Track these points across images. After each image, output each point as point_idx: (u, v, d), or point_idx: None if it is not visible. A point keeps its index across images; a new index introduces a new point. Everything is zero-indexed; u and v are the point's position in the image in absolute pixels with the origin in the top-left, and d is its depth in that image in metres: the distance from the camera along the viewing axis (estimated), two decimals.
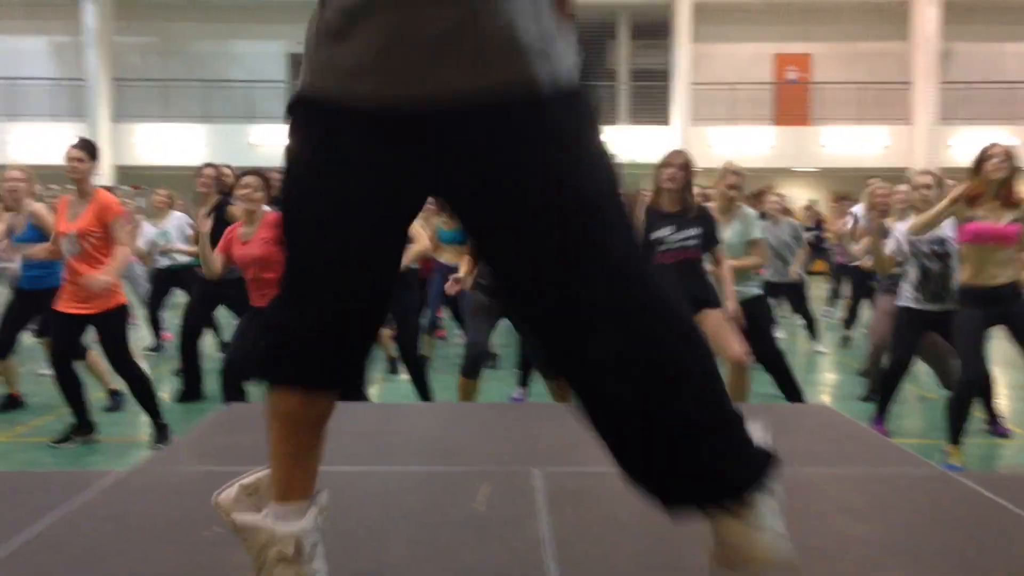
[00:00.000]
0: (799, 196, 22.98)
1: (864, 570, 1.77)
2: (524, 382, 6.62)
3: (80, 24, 21.69)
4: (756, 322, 5.79)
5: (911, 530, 2.03)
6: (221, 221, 6.85)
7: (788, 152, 21.83)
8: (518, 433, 3.02)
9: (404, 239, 1.57)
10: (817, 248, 13.58)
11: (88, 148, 5.34)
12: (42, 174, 22.41)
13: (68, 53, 22.48)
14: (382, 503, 2.23)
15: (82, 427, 5.44)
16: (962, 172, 17.01)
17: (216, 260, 5.30)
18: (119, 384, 5.97)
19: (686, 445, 1.46)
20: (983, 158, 5.22)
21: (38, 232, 6.10)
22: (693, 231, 5.28)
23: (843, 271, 11.03)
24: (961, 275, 5.22)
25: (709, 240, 5.36)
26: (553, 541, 1.94)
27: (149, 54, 22.92)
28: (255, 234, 5.19)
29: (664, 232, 5.23)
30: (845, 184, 23.00)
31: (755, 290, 5.92)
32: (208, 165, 7.09)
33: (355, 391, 1.70)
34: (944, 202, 5.20)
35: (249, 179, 5.30)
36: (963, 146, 21.49)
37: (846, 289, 11.09)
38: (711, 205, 5.92)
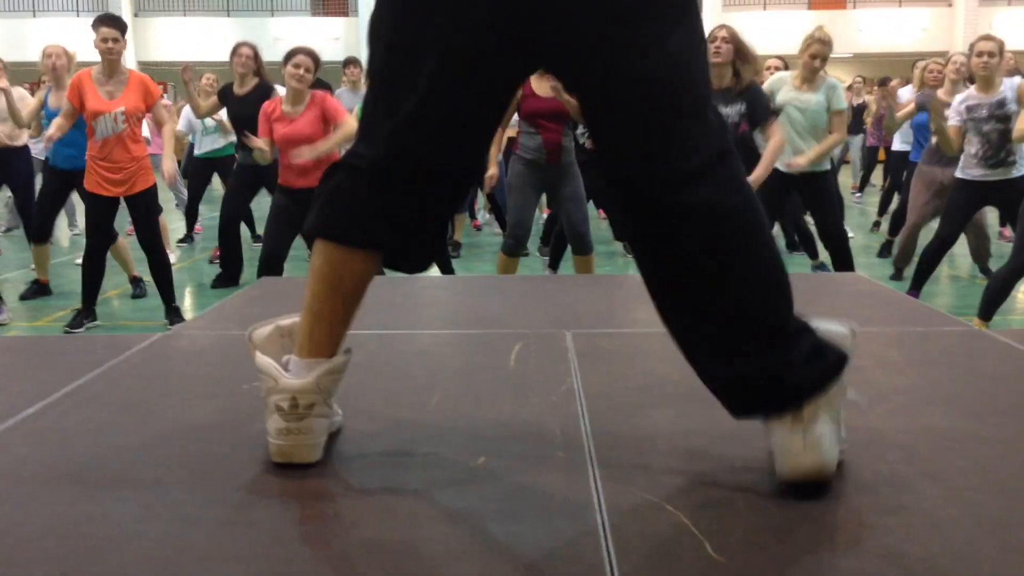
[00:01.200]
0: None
1: (902, 417, 1.77)
2: (555, 266, 6.63)
3: None
4: (820, 197, 5.77)
5: (947, 381, 2.03)
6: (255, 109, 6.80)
7: None
8: (552, 302, 3.02)
9: (506, 103, 1.52)
10: (854, 121, 13.30)
11: (121, 26, 5.30)
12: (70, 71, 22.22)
13: None
14: (423, 361, 2.25)
15: (87, 311, 5.48)
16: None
17: (266, 145, 5.30)
18: (142, 272, 6.04)
19: (745, 331, 1.42)
20: None
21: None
22: (736, 107, 5.21)
23: (876, 153, 10.89)
24: None
25: (756, 115, 5.27)
26: (584, 393, 1.95)
27: None
28: (303, 113, 5.17)
29: None
30: (882, 70, 22.44)
31: (824, 166, 5.82)
32: (245, 44, 6.94)
33: (435, 257, 1.65)
34: None
35: (301, 58, 5.25)
36: (1006, 28, 20.82)
37: (875, 177, 10.95)
38: (793, 73, 5.82)
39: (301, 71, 5.19)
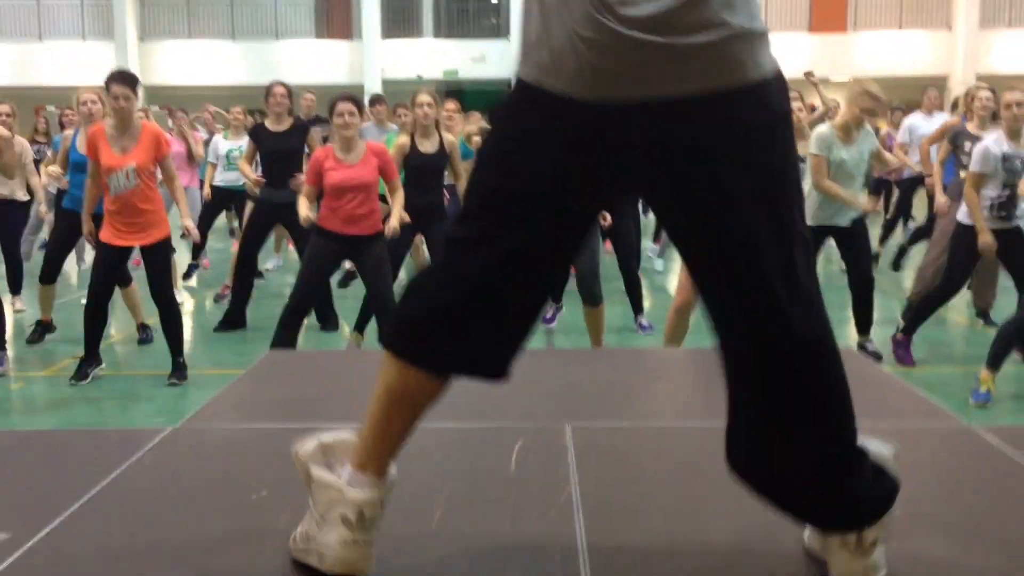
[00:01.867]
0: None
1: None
2: (557, 299, 6.70)
3: None
4: (858, 243, 5.87)
5: (932, 492, 2.09)
6: (300, 141, 6.86)
7: (823, 61, 21.32)
8: (553, 383, 3.09)
9: (586, 235, 1.64)
10: None
11: (132, 82, 5.38)
12: (73, 94, 22.35)
13: None
14: (424, 462, 2.31)
15: (90, 358, 5.55)
16: (1003, 80, 16.70)
17: (310, 193, 5.36)
18: (150, 318, 6.11)
19: (839, 453, 1.56)
20: None
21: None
22: None
23: (881, 185, 10.89)
24: None
25: None
26: (582, 504, 2.02)
27: None
28: (361, 160, 5.26)
29: None
30: (883, 92, 22.55)
31: (855, 213, 5.86)
32: (279, 83, 7.01)
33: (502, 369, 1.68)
34: None
35: (343, 105, 5.32)
36: (1006, 51, 20.91)
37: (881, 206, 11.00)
38: (834, 123, 5.81)
39: (346, 118, 5.27)
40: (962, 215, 5.64)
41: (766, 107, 1.49)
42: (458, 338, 1.57)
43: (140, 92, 19.65)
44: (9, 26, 21.84)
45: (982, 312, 7.11)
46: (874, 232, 10.05)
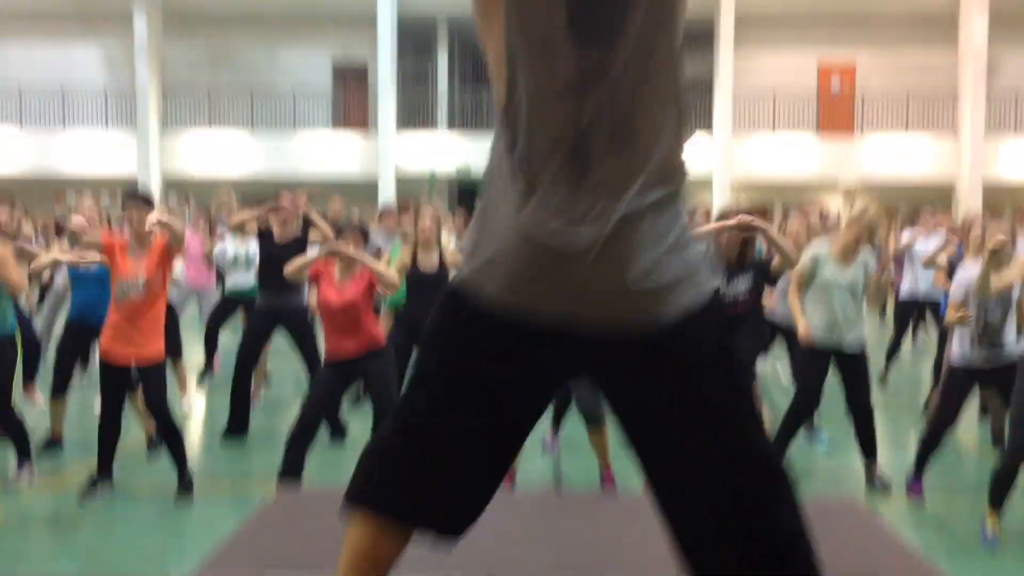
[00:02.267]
0: (842, 209, 22.85)
1: None
2: (557, 424, 6.73)
3: (132, 34, 22.12)
4: (858, 372, 5.89)
5: None
6: (301, 248, 6.99)
7: (831, 164, 21.71)
8: (550, 539, 3.14)
9: (525, 433, 1.77)
10: None
11: (150, 203, 5.58)
12: (92, 181, 22.93)
13: (119, 62, 22.97)
14: None
15: (103, 474, 5.60)
16: (1010, 188, 16.86)
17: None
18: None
19: None
20: None
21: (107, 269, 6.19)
22: (744, 283, 5.37)
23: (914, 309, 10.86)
24: None
25: (758, 283, 5.43)
26: None
27: (197, 63, 23.31)
28: (351, 280, 5.40)
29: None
30: (889, 197, 22.82)
31: (860, 342, 5.90)
32: (287, 194, 7.18)
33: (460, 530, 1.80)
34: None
35: (349, 233, 5.51)
36: (1013, 158, 21.23)
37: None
38: (833, 244, 5.92)
39: (351, 244, 5.44)
40: (953, 355, 5.69)
41: (698, 337, 1.63)
42: (414, 495, 1.70)
43: (158, 178, 19.96)
44: (34, 114, 22.39)
45: (997, 438, 7.05)
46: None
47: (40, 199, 18.22)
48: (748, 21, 21.79)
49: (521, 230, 1.57)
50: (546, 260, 1.56)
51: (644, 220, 1.57)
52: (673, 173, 1.63)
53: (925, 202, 22.29)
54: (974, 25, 21.11)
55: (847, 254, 5.81)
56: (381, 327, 5.61)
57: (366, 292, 5.45)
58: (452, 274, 6.77)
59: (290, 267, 5.62)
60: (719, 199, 21.23)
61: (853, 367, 5.92)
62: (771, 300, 6.92)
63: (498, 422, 1.70)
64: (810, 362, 5.93)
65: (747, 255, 5.68)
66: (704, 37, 22.27)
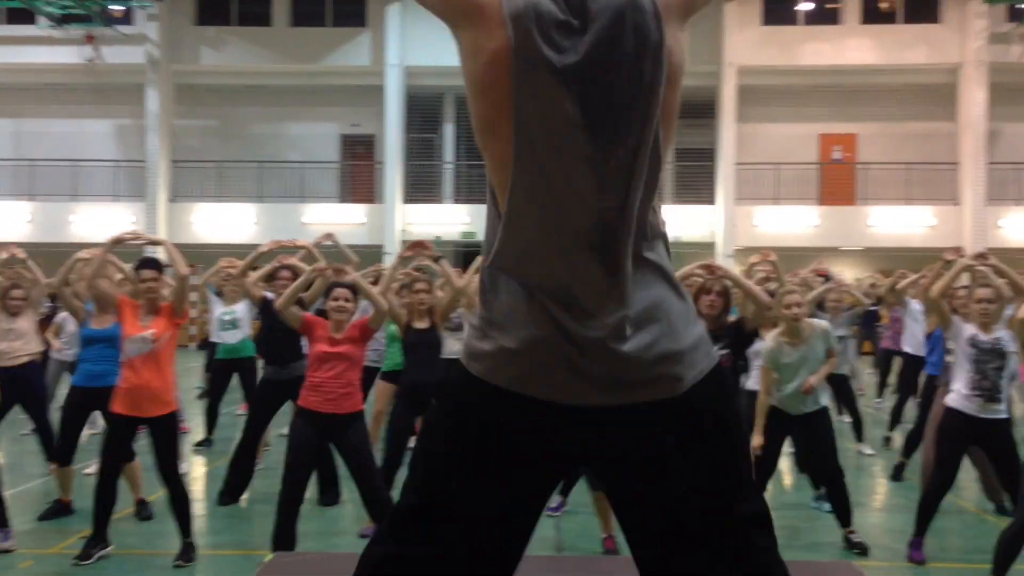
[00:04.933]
0: (845, 276, 22.91)
1: None
2: (565, 492, 6.69)
3: (143, 108, 22.54)
4: (819, 434, 5.90)
5: None
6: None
7: (834, 231, 21.85)
8: None
9: (534, 524, 1.77)
10: (868, 328, 13.46)
11: (159, 267, 5.68)
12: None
13: (130, 136, 23.35)
14: None
15: (97, 539, 5.57)
16: (1012, 253, 16.80)
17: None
18: (148, 495, 6.15)
19: None
20: None
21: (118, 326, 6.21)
22: (721, 344, 5.43)
23: (891, 356, 10.81)
24: None
25: (740, 348, 5.49)
26: None
27: (207, 136, 23.71)
28: (344, 335, 5.45)
29: None
30: (892, 263, 22.89)
31: (822, 403, 5.94)
32: (286, 267, 7.28)
33: None
34: None
35: (340, 291, 5.55)
36: (1013, 227, 21.34)
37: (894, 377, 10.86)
38: (777, 331, 5.95)
39: (341, 302, 5.49)
40: (950, 399, 5.67)
41: (699, 411, 1.67)
42: None
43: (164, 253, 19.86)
44: (46, 186, 22.70)
45: (993, 497, 6.99)
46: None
47: (48, 269, 18.36)
48: (750, 93, 22.13)
49: (538, 321, 1.62)
50: (567, 349, 1.61)
51: (652, 295, 1.65)
52: (664, 246, 1.72)
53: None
54: (973, 96, 21.42)
55: (794, 335, 5.84)
56: (361, 395, 5.61)
57: (359, 341, 5.48)
58: (445, 332, 6.91)
59: (280, 300, 5.72)
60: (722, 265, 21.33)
61: (810, 427, 5.88)
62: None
63: (515, 512, 1.71)
64: (769, 426, 5.92)
65: (723, 319, 5.77)
66: (708, 108, 22.63)
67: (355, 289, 5.76)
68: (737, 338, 5.69)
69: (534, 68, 1.56)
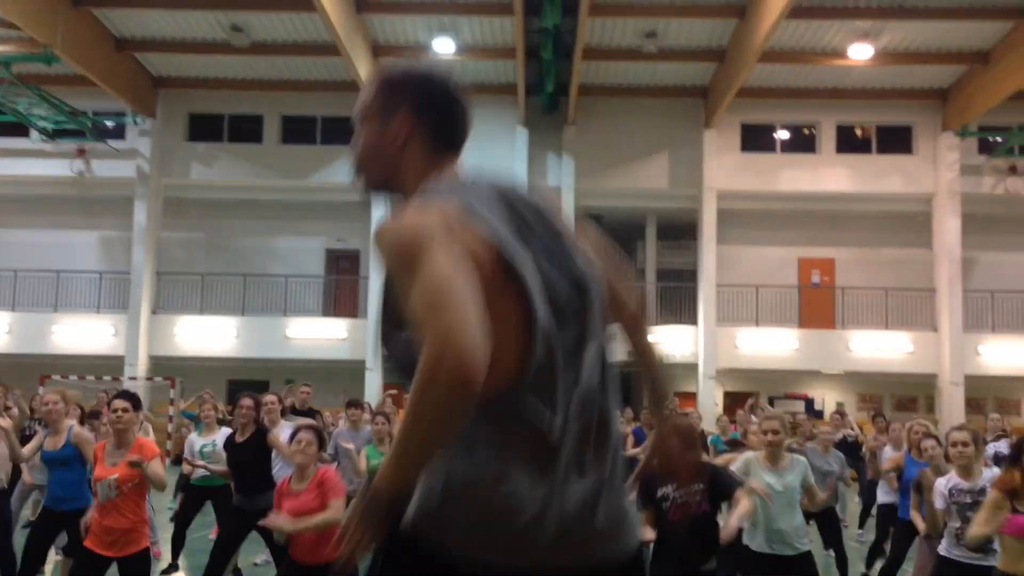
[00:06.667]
0: (827, 398, 22.97)
1: None
2: None
3: (131, 220, 22.67)
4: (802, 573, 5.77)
5: None
6: (262, 448, 7.03)
7: (814, 354, 21.97)
8: None
9: None
10: (851, 455, 13.38)
11: (133, 400, 5.62)
12: (81, 363, 22.82)
13: (115, 247, 23.44)
14: None
15: None
16: (990, 380, 16.79)
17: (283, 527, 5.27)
18: None
19: None
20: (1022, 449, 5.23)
21: (75, 448, 6.33)
22: (697, 486, 5.37)
23: (876, 487, 10.76)
24: (999, 561, 5.18)
25: (722, 491, 5.42)
26: None
27: (193, 249, 23.84)
28: (306, 488, 5.33)
29: (667, 489, 5.28)
30: (872, 387, 23.04)
31: (806, 545, 5.84)
32: (246, 395, 7.29)
33: None
34: (985, 512, 5.17)
35: (303, 435, 5.46)
36: (990, 354, 21.53)
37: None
38: (759, 454, 5.93)
39: (302, 445, 5.41)
40: (943, 548, 5.63)
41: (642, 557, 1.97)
42: None
43: (145, 360, 19.86)
44: (27, 297, 22.63)
45: None
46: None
47: (27, 377, 18.17)
48: (730, 217, 22.55)
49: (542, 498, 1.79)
50: (563, 524, 1.79)
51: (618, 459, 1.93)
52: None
53: (908, 393, 22.64)
54: (948, 225, 21.88)
55: (771, 458, 5.81)
56: None
57: (320, 496, 5.32)
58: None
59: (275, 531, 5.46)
60: (704, 387, 21.34)
61: (798, 570, 5.75)
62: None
63: None
64: (753, 570, 5.82)
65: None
66: (689, 230, 23.02)
67: (320, 436, 5.64)
68: (717, 480, 5.52)
69: None
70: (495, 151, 21.00)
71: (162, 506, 11.94)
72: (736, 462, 5.99)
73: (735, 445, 9.09)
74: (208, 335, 22.45)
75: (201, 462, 8.44)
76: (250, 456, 6.98)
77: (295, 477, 5.44)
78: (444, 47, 20.28)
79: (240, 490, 7.04)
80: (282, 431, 7.40)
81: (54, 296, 22.69)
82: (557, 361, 1.81)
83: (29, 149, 22.65)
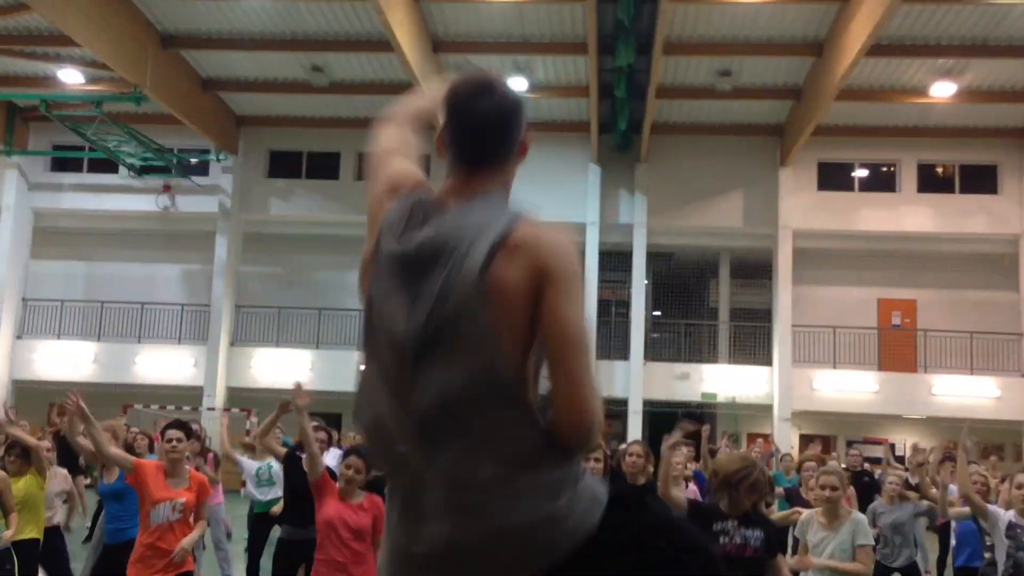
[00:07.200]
0: (907, 443, 22.27)
1: None
2: None
3: (212, 254, 23.27)
4: None
5: None
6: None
7: (894, 398, 21.38)
8: None
9: None
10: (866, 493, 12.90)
11: (186, 429, 5.74)
12: (162, 393, 23.26)
13: (197, 281, 24.05)
14: None
15: None
16: None
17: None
18: None
19: None
20: None
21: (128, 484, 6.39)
22: (755, 532, 5.24)
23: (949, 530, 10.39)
24: None
25: (771, 545, 5.29)
26: None
27: (270, 283, 24.32)
28: (359, 503, 5.42)
29: (726, 524, 5.15)
30: (956, 434, 22.18)
31: None
32: (323, 427, 7.30)
33: None
34: None
35: (352, 460, 5.55)
36: None
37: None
38: (817, 512, 5.80)
39: (351, 472, 5.47)
40: None
41: None
42: None
43: (223, 391, 20.17)
44: (113, 328, 23.33)
45: None
46: None
47: (110, 406, 18.68)
48: (806, 256, 22.19)
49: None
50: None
51: None
52: None
53: (993, 439, 21.78)
54: None
55: (829, 515, 5.64)
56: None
57: (368, 520, 5.42)
58: None
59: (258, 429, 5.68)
60: (779, 429, 20.90)
61: None
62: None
63: None
64: None
65: (756, 509, 5.48)
66: (764, 269, 22.68)
67: (367, 462, 5.67)
68: (771, 532, 5.43)
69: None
70: (568, 188, 21.08)
71: (240, 535, 12.09)
72: (798, 522, 5.85)
73: (792, 498, 8.78)
74: (283, 367, 22.81)
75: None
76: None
77: (343, 492, 5.49)
78: (518, 86, 20.47)
79: (290, 519, 6.96)
80: (329, 457, 7.37)
81: (138, 327, 23.35)
82: None
83: (118, 185, 23.45)
